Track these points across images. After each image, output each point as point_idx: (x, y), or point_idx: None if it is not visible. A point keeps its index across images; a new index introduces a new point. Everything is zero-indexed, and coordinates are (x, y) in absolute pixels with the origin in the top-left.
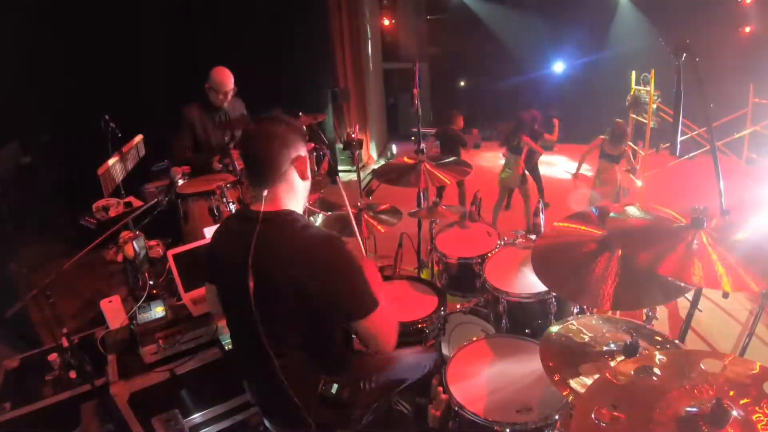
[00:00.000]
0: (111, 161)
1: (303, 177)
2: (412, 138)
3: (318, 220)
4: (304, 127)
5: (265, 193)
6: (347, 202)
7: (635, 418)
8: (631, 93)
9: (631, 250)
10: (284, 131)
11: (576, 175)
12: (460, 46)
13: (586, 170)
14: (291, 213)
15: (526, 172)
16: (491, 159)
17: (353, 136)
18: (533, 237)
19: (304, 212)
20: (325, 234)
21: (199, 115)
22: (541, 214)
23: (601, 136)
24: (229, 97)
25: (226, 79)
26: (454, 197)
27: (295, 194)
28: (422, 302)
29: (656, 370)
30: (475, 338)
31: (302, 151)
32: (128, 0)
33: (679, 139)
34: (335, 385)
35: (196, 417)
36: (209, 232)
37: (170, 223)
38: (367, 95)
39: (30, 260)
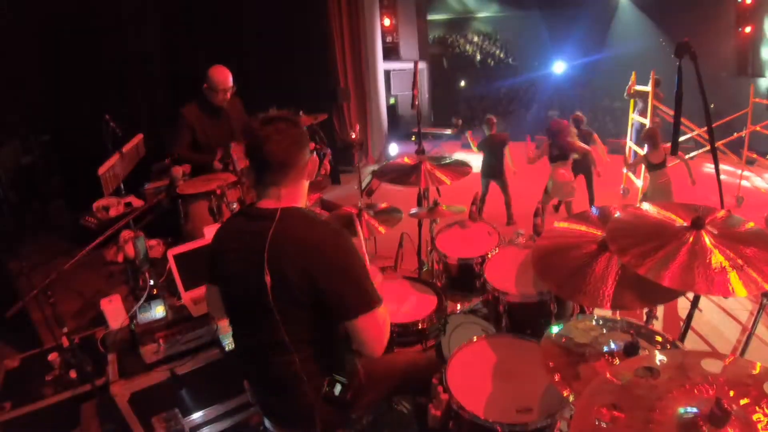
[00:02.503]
0: (111, 161)
1: (310, 177)
2: (412, 138)
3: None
4: (305, 126)
5: (280, 191)
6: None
7: (635, 418)
8: (630, 86)
9: (632, 260)
10: (303, 133)
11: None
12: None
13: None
14: (301, 209)
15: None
16: None
17: (353, 136)
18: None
19: None
20: (335, 228)
21: (198, 116)
22: (541, 214)
23: (642, 154)
24: (229, 95)
25: (225, 76)
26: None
27: (302, 192)
28: (422, 302)
29: (656, 370)
30: (475, 338)
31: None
32: (129, 0)
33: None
34: (338, 386)
35: (196, 417)
36: (209, 232)
37: (170, 223)
38: (367, 95)
39: (30, 260)
